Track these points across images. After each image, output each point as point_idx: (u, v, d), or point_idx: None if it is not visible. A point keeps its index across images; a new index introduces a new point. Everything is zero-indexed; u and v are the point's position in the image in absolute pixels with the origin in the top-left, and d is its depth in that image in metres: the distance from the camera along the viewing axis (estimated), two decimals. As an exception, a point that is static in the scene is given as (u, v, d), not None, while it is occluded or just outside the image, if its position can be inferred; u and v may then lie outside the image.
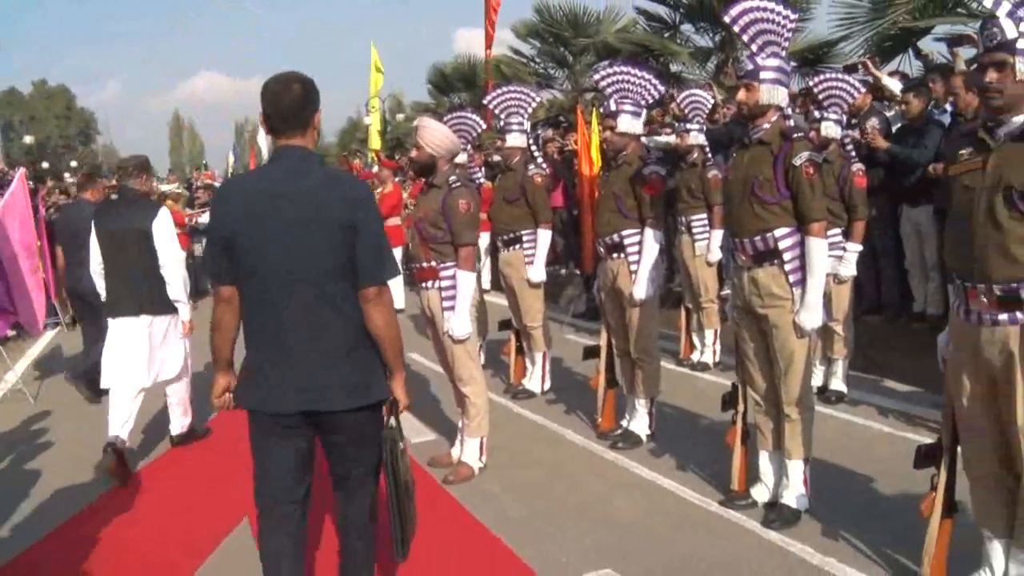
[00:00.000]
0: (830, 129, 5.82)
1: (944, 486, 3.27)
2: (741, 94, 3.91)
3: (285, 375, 2.82)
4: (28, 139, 32.25)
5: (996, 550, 3.11)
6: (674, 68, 13.94)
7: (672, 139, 8.68)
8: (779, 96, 3.86)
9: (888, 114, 7.25)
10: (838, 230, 5.79)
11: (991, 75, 2.89)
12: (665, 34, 14.10)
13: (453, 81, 21.22)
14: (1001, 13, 2.89)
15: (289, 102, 2.79)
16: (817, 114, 5.97)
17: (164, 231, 5.35)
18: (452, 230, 4.60)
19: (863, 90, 6.15)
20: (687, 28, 13.95)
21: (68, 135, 72.47)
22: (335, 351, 2.82)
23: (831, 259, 5.75)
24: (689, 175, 7.11)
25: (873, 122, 7.09)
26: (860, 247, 5.85)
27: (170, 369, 5.54)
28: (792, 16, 3.96)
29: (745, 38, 3.92)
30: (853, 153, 6.02)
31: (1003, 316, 2.88)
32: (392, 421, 2.95)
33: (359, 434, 2.90)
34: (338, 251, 2.75)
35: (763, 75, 3.84)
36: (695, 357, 7.39)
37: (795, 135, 3.82)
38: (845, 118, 6.04)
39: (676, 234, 7.47)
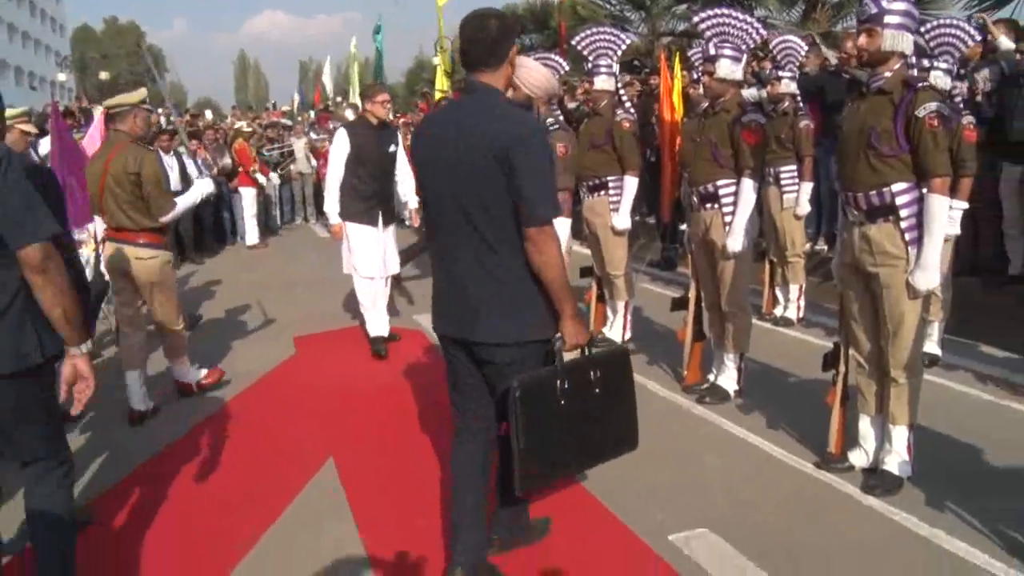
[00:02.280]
0: (939, 79, 5.47)
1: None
2: (862, 39, 3.68)
3: (448, 300, 3.00)
4: (104, 75, 33.05)
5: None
6: (759, 13, 13.43)
7: (755, 92, 8.39)
8: (904, 43, 3.63)
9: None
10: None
11: None
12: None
13: (524, 22, 20.81)
14: None
15: (483, 39, 2.85)
16: (926, 63, 5.64)
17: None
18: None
19: (978, 38, 5.79)
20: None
21: (138, 72, 73.53)
22: (488, 286, 2.85)
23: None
24: (779, 124, 6.83)
25: (984, 74, 6.73)
26: (965, 205, 5.58)
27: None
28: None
29: (869, -24, 3.67)
30: (962, 105, 5.71)
31: None
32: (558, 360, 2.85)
33: (505, 368, 2.87)
34: (494, 187, 2.75)
35: (888, 19, 3.60)
36: (778, 312, 7.21)
37: (920, 84, 3.59)
38: (956, 68, 5.72)
39: (763, 185, 7.21)
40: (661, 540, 3.45)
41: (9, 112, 5.46)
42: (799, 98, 6.96)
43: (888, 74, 3.66)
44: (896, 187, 3.65)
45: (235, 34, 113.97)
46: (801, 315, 7.06)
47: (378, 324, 6.55)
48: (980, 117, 6.28)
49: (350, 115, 13.32)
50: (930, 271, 3.64)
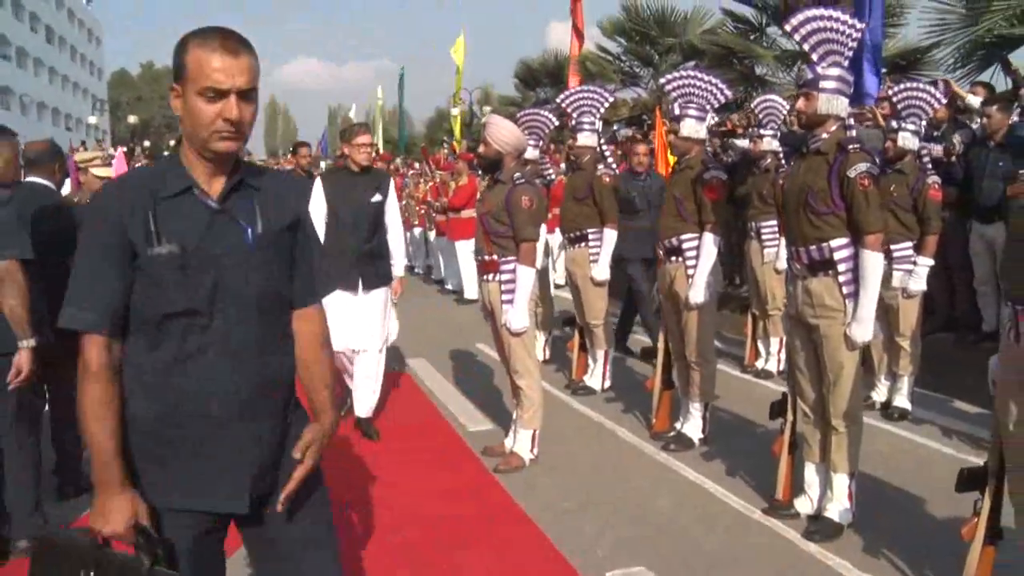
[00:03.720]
0: (907, 140, 5.71)
1: (988, 511, 3.22)
2: (800, 103, 3.90)
3: None
4: (132, 119, 34.45)
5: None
6: (759, 71, 13.71)
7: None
8: (838, 106, 3.84)
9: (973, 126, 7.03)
10: (909, 243, 5.70)
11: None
12: (751, 36, 13.88)
13: (539, 76, 21.34)
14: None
15: None
16: (895, 124, 5.86)
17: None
18: (514, 225, 4.70)
19: (944, 101, 6.01)
20: (773, 30, 13.68)
21: (171, 115, 75.34)
22: None
23: (901, 273, 5.69)
24: (761, 180, 7.04)
25: (958, 136, 6.93)
26: (931, 262, 5.71)
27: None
28: (858, 25, 3.92)
29: (806, 47, 3.91)
30: (930, 165, 5.90)
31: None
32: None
33: None
34: None
35: (823, 84, 3.82)
36: (759, 364, 7.33)
37: (851, 146, 3.79)
38: (924, 129, 5.92)
39: (745, 239, 7.41)
40: (598, 576, 3.59)
41: (85, 155, 5.85)
42: (781, 155, 7.16)
43: (825, 136, 3.86)
44: (834, 243, 3.83)
45: (268, 79, 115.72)
46: (782, 368, 7.16)
47: (361, 402, 5.67)
48: (952, 178, 6.46)
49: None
50: (865, 324, 3.79)
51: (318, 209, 5.35)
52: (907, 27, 11.61)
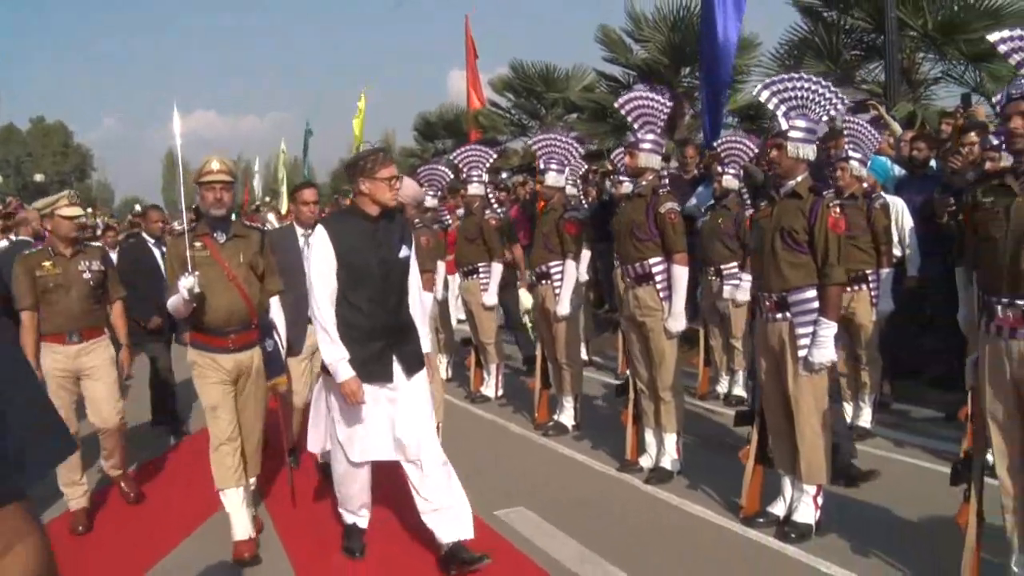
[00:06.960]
0: (729, 181, 7.19)
1: (756, 439, 4.57)
2: (627, 159, 5.29)
3: None
4: (39, 177, 34.34)
5: (787, 485, 4.41)
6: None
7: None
8: (653, 161, 5.23)
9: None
10: (735, 263, 7.16)
11: (773, 153, 4.27)
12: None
13: (437, 129, 22.70)
14: (779, 113, 4.28)
15: None
16: (720, 168, 7.35)
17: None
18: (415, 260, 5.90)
19: (756, 150, 7.54)
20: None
21: (64, 172, 73.65)
22: None
23: (730, 287, 7.14)
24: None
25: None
26: (751, 277, 7.17)
27: None
28: (668, 104, 5.34)
29: (629, 119, 5.30)
30: (748, 200, 7.40)
31: (778, 315, 4.23)
32: None
33: None
34: None
35: (642, 145, 5.21)
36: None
37: (662, 190, 5.19)
38: (741, 172, 7.43)
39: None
40: (488, 514, 4.79)
41: (45, 201, 5.32)
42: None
43: (644, 183, 5.25)
44: (651, 261, 5.19)
45: (165, 132, 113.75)
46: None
47: (448, 528, 4.17)
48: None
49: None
50: (678, 318, 5.16)
51: (325, 267, 3.98)
52: (749, 84, 13.38)
